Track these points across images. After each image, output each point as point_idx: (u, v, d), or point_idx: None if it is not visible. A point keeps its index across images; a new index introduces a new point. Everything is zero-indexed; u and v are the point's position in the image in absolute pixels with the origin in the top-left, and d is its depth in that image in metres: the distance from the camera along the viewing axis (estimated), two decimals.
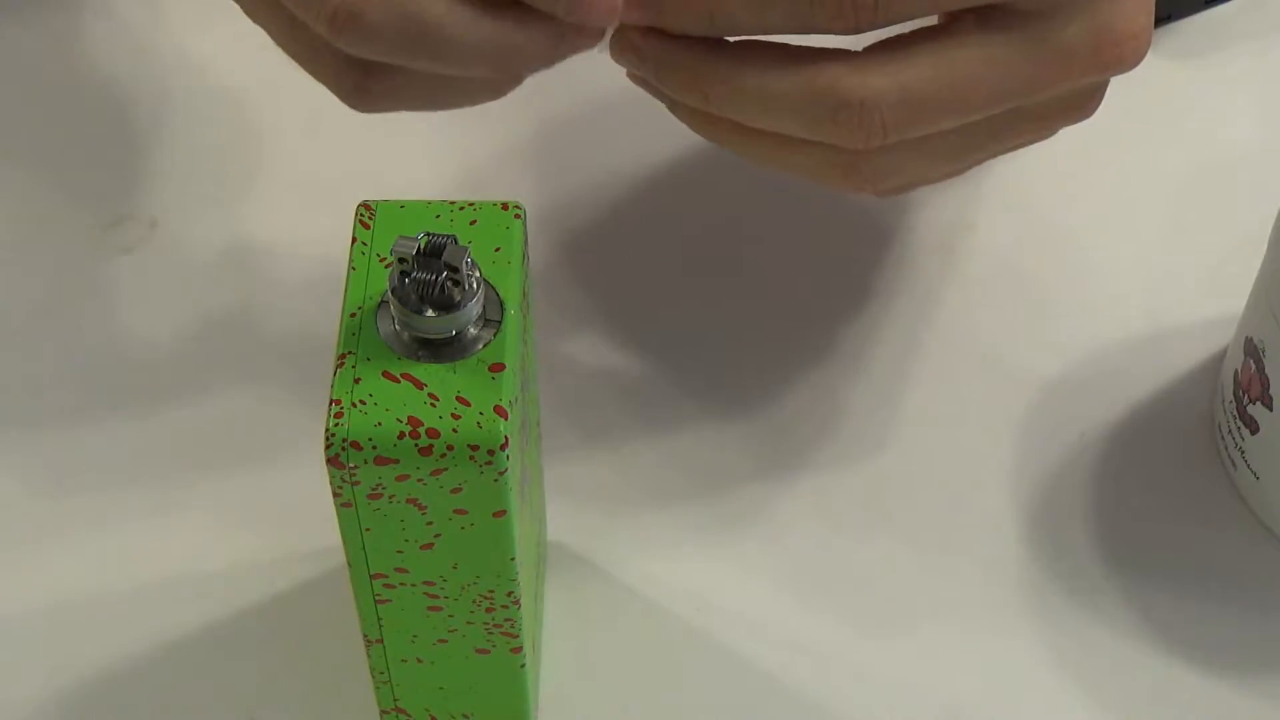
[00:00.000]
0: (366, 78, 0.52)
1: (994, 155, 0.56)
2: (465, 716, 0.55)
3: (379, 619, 0.51)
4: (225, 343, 0.64)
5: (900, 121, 0.52)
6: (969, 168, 0.56)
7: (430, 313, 0.46)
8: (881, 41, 0.52)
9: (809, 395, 0.64)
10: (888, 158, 0.53)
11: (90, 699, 0.58)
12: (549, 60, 0.52)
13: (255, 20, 0.54)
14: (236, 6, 0.55)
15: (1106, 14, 0.53)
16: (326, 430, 0.46)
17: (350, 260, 0.48)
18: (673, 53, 0.53)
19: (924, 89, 0.52)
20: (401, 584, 0.50)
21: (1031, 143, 0.56)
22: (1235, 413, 0.60)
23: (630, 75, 0.54)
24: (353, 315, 0.47)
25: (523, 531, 0.50)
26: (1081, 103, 0.55)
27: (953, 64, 0.52)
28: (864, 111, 0.51)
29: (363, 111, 0.53)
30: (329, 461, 0.46)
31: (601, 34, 0.52)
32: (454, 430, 0.46)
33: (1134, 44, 0.53)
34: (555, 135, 0.69)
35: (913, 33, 0.52)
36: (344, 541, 0.49)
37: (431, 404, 0.46)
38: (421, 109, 0.53)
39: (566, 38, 0.52)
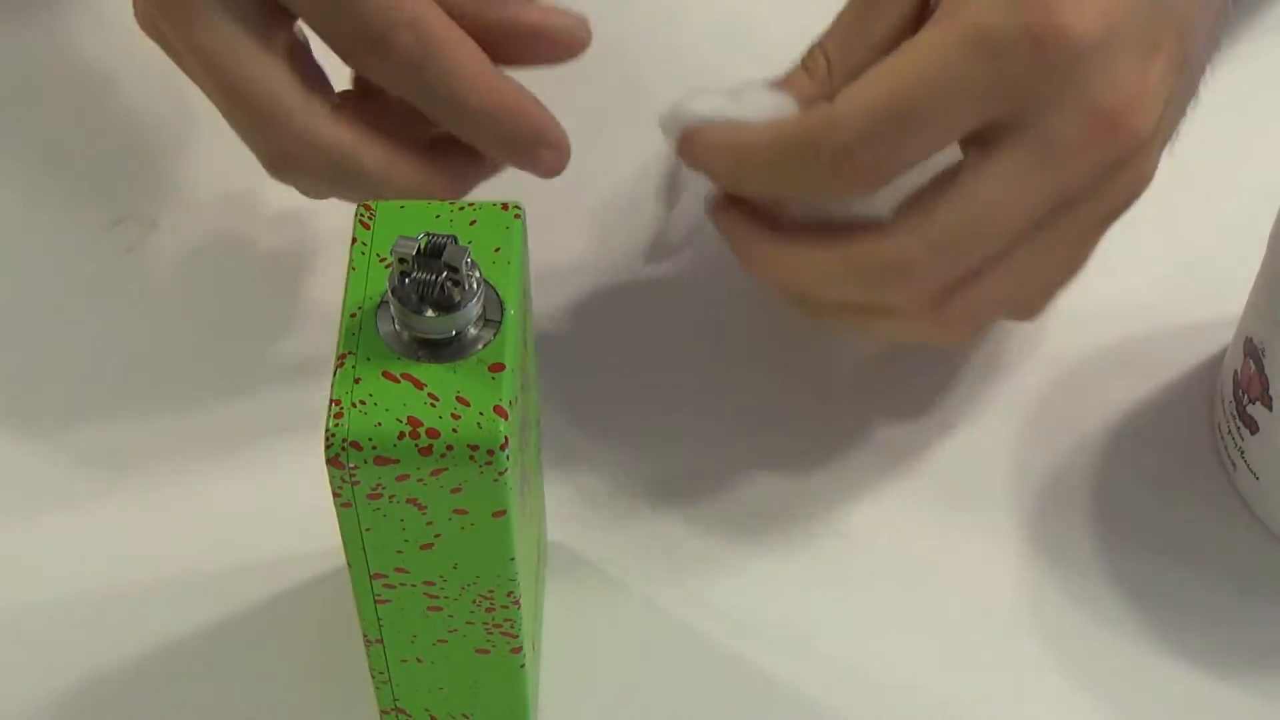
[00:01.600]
0: (292, 179, 0.58)
1: (1063, 270, 0.57)
2: (465, 716, 0.55)
3: (379, 619, 0.51)
4: (225, 343, 0.64)
5: (941, 268, 0.54)
6: (1056, 285, 0.57)
7: (430, 313, 0.46)
8: (904, 202, 0.55)
9: (808, 396, 0.64)
10: (963, 299, 0.55)
11: (90, 699, 0.58)
12: (455, 195, 0.58)
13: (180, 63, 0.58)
14: None
15: (1094, 92, 0.53)
16: (326, 430, 0.46)
17: (350, 260, 0.48)
18: (738, 230, 0.57)
19: (952, 234, 0.54)
20: (401, 584, 0.50)
21: (1094, 244, 0.57)
22: (1235, 413, 0.60)
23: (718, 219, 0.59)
24: (353, 315, 0.47)
25: (523, 531, 0.50)
26: (1120, 178, 0.55)
27: (970, 200, 0.54)
28: (906, 272, 0.54)
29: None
30: (329, 461, 0.46)
31: (495, 168, 0.59)
32: (454, 430, 0.46)
33: (1129, 115, 0.53)
34: None
35: (930, 182, 0.55)
36: (344, 541, 0.49)
37: (431, 404, 0.46)
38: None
39: (473, 177, 0.58)
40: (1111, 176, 0.55)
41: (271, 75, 0.55)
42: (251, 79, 0.55)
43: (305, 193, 0.58)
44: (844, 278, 0.55)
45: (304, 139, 0.55)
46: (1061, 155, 0.53)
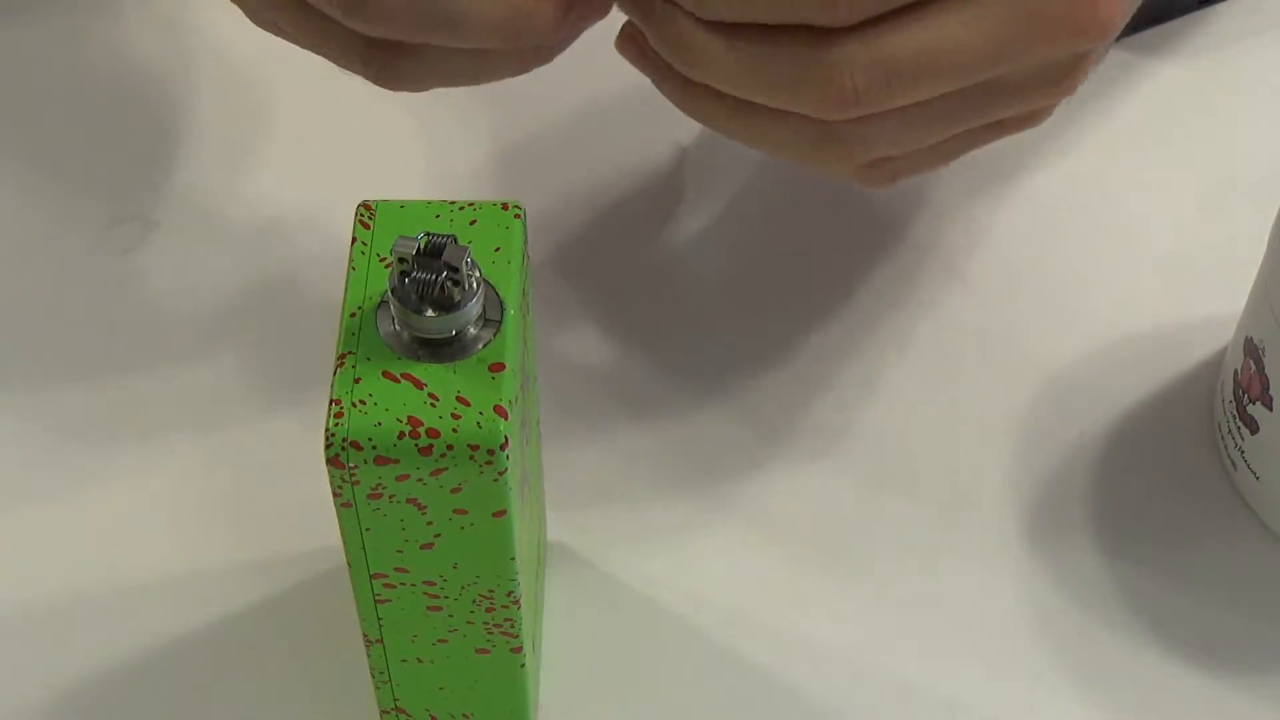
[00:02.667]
0: (393, 56, 0.52)
1: (974, 139, 0.55)
2: (465, 716, 0.55)
3: (379, 619, 0.51)
4: (224, 343, 0.64)
5: (873, 86, 0.51)
6: (947, 156, 0.55)
7: (430, 313, 0.46)
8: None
9: (809, 396, 0.64)
10: (859, 128, 0.52)
11: (90, 699, 0.58)
12: (559, 32, 0.52)
13: (260, 20, 0.54)
14: (237, 8, 0.55)
15: None
16: (326, 430, 0.46)
17: (350, 260, 0.48)
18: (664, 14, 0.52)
19: (898, 54, 0.51)
20: (401, 584, 0.50)
21: (1012, 127, 0.55)
22: (1235, 413, 0.60)
23: (621, 47, 0.54)
24: (353, 315, 0.47)
25: (523, 531, 0.50)
26: (1059, 78, 0.53)
27: (929, 30, 0.51)
28: (835, 73, 0.51)
29: (393, 90, 0.54)
30: (329, 461, 0.46)
31: (607, 8, 0.53)
32: (454, 430, 0.46)
33: (1107, 6, 0.51)
34: (555, 135, 0.69)
35: (896, 9, 0.52)
36: (344, 541, 0.49)
37: (431, 404, 0.46)
38: (450, 85, 0.54)
39: (575, 8, 0.52)
40: (1052, 78, 0.53)
41: None
42: None
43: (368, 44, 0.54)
44: (771, 71, 0.52)
45: None
46: (1035, 21, 0.51)
